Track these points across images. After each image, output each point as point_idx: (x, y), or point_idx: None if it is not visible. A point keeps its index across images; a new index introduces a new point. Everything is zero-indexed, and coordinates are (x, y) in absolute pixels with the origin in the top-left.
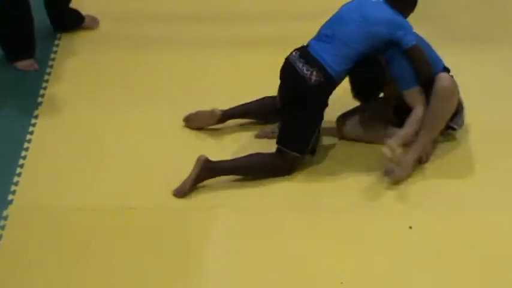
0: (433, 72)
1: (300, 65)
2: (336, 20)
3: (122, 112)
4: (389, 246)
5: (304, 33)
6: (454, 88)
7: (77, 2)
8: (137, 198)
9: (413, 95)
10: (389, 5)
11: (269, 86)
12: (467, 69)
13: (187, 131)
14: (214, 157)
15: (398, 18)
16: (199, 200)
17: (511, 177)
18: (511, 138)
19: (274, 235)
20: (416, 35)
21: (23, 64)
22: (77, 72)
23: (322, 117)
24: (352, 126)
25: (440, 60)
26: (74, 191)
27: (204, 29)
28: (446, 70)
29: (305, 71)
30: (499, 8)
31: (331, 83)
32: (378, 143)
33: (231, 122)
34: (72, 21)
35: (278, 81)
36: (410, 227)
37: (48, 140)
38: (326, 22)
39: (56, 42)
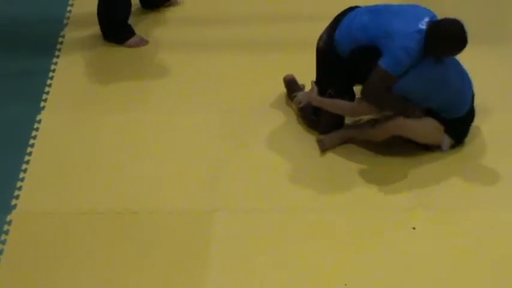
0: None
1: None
2: (388, 12)
3: (125, 115)
4: (392, 247)
5: (307, 34)
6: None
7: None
8: (139, 203)
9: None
10: (425, 32)
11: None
12: (474, 69)
13: (189, 134)
14: (217, 162)
15: (404, 45)
16: (200, 203)
17: None
18: None
19: (276, 237)
20: (461, 82)
21: (134, 41)
22: (79, 74)
23: (342, 81)
24: (331, 143)
25: (460, 109)
26: (77, 195)
27: (208, 31)
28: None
29: (322, 32)
30: (507, 8)
31: (333, 53)
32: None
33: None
34: None
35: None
36: (414, 228)
37: (51, 144)
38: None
39: (58, 46)
